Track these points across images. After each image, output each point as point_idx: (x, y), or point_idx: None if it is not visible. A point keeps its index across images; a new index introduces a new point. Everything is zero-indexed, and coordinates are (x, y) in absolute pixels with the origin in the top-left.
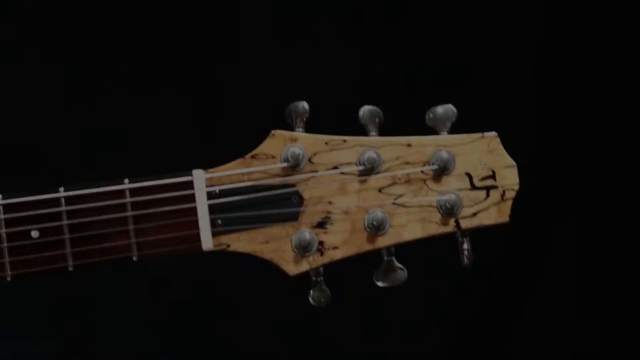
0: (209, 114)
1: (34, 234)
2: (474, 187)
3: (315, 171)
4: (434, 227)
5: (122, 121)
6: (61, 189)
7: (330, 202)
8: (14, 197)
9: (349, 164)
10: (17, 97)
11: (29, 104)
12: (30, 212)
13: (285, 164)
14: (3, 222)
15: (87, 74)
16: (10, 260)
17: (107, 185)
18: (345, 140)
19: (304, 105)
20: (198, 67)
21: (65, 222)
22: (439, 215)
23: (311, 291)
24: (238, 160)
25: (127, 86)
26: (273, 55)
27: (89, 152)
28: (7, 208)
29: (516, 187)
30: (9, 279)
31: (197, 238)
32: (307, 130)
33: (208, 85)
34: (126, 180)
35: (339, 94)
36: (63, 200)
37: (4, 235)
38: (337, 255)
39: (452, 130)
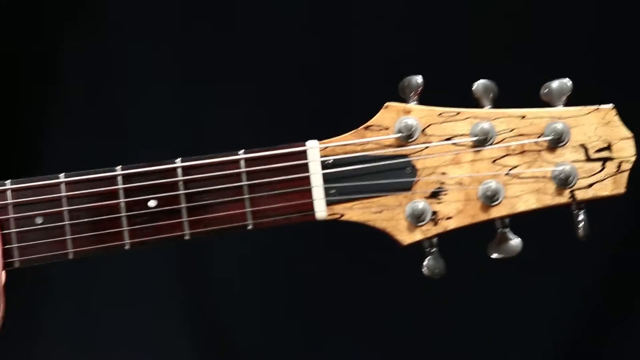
0: (323, 88)
1: (152, 203)
2: (589, 159)
3: (429, 142)
4: (548, 198)
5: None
6: (178, 159)
7: (443, 173)
8: (133, 168)
9: (462, 135)
10: None
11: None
12: (148, 182)
13: (398, 135)
14: (122, 191)
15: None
16: (129, 229)
17: (223, 155)
18: (458, 112)
19: (418, 79)
20: (313, 43)
21: (182, 191)
22: (554, 187)
23: (425, 261)
24: (352, 132)
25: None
26: (389, 30)
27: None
28: (126, 178)
29: (633, 159)
30: (127, 247)
31: (310, 207)
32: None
33: (321, 61)
34: (241, 151)
35: (449, 68)
36: (180, 170)
37: (123, 204)
38: (451, 225)
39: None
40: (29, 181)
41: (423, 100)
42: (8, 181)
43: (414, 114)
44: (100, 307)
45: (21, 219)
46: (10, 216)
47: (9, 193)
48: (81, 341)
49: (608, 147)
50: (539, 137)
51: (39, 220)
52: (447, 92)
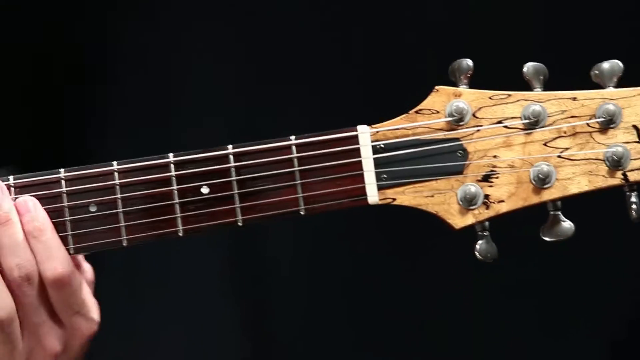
0: (372, 73)
1: (204, 189)
2: None
3: (480, 125)
4: (600, 180)
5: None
6: (229, 145)
7: (495, 156)
8: (185, 155)
9: (513, 117)
10: None
11: None
12: (200, 169)
13: (449, 119)
14: (175, 178)
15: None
16: (182, 215)
17: (274, 141)
18: (509, 95)
19: (468, 62)
20: (360, 28)
21: (234, 177)
22: (606, 168)
23: (477, 245)
24: (402, 116)
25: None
26: (436, 14)
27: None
28: (178, 165)
29: None
30: (180, 234)
31: (362, 192)
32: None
33: (370, 46)
34: (292, 137)
35: (500, 50)
36: (232, 156)
37: (176, 191)
38: (503, 208)
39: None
40: (83, 169)
41: (472, 84)
42: (62, 170)
43: (464, 97)
44: (146, 289)
45: (75, 208)
46: (64, 204)
47: (63, 182)
48: (127, 324)
49: None
50: (590, 118)
51: (92, 208)
52: (496, 75)
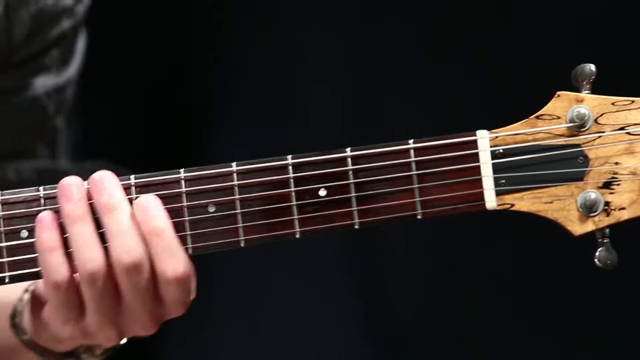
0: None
1: (322, 192)
2: None
3: (602, 132)
4: None
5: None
6: (347, 149)
7: (616, 163)
8: (303, 157)
9: (636, 124)
10: None
11: None
12: (318, 171)
13: (570, 125)
14: (292, 180)
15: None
16: (299, 217)
17: (392, 145)
18: (633, 101)
19: (591, 67)
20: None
21: (351, 180)
22: None
23: (598, 252)
24: (522, 122)
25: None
26: (556, 19)
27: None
28: (296, 167)
29: None
30: (297, 235)
31: (480, 197)
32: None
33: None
34: (411, 140)
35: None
36: (349, 159)
37: (294, 193)
38: (624, 215)
39: None
40: (202, 170)
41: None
42: (182, 170)
43: (586, 102)
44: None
45: (194, 208)
46: (184, 204)
47: (182, 182)
48: (250, 316)
49: None
50: None
51: (211, 208)
52: (618, 81)
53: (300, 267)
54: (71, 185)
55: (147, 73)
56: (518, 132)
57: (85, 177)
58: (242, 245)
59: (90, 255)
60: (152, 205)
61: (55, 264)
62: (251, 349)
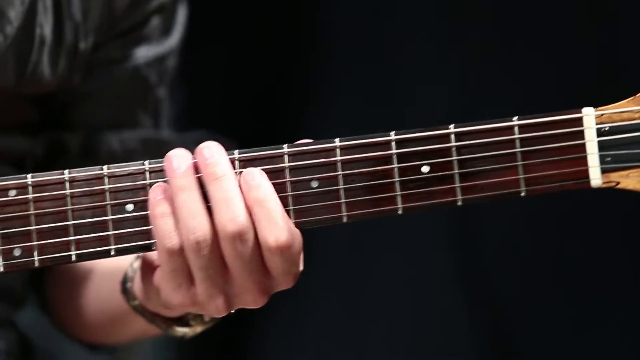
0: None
1: (424, 168)
2: None
3: None
4: None
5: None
6: (451, 125)
7: None
8: (406, 133)
9: None
10: None
11: None
12: (421, 148)
13: None
14: (395, 156)
15: None
16: (402, 194)
17: (496, 122)
18: None
19: None
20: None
21: (454, 157)
22: None
23: None
24: (629, 99)
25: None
26: None
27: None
28: (399, 143)
29: None
30: (400, 212)
31: (585, 175)
32: None
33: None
34: (515, 117)
35: None
36: (453, 136)
37: (396, 169)
38: None
39: None
40: (305, 145)
41: None
42: (285, 145)
43: None
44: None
45: (297, 183)
46: (287, 179)
47: (286, 157)
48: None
49: None
50: None
51: (314, 184)
52: None
53: (403, 244)
54: (178, 156)
55: (247, 44)
56: (624, 110)
57: (188, 147)
58: (344, 220)
59: (196, 224)
60: (256, 175)
61: (167, 230)
62: (351, 327)
